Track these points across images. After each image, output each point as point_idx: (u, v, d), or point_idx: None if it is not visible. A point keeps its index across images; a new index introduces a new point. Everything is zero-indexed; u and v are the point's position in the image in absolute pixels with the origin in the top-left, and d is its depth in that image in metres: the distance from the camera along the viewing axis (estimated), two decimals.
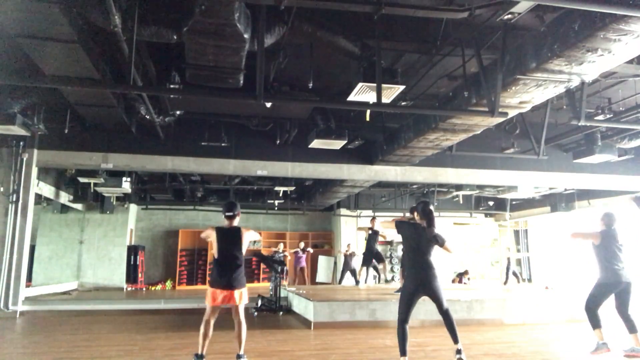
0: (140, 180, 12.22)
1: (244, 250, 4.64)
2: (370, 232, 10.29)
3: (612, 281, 5.16)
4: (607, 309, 5.28)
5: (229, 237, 4.59)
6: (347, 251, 13.09)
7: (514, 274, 13.73)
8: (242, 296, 4.54)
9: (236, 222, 4.66)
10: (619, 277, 5.13)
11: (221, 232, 4.59)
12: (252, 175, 9.92)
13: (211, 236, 4.58)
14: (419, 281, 4.44)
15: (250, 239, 4.72)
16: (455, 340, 4.43)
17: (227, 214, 4.61)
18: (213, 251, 4.65)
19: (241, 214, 4.74)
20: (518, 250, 16.50)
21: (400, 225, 4.71)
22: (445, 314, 4.46)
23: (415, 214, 4.64)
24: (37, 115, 7.32)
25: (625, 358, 5.11)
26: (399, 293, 8.30)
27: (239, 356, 4.54)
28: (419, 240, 4.49)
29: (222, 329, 5.82)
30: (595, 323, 5.18)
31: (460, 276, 14.41)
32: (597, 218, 5.44)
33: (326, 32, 5.56)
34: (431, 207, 4.55)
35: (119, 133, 8.52)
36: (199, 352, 4.44)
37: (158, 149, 8.78)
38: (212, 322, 4.50)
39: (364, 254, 10.52)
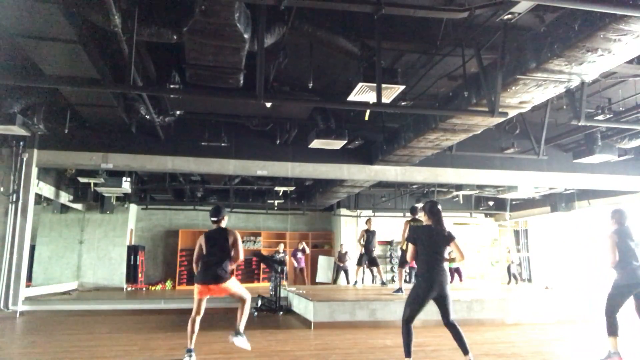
0: (140, 180, 12.23)
1: (240, 251, 4.93)
2: (367, 233, 10.18)
3: (631, 282, 4.72)
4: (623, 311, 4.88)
5: (215, 238, 4.97)
6: (339, 251, 13.20)
7: (514, 275, 13.86)
8: (230, 285, 4.85)
9: (223, 225, 5.05)
10: (637, 277, 4.70)
11: (208, 235, 5.02)
12: (252, 175, 9.91)
13: (201, 241, 4.98)
14: (433, 282, 4.26)
15: (237, 237, 4.97)
16: (465, 352, 4.12)
17: (212, 218, 5.07)
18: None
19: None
20: (518, 250, 16.50)
21: (414, 232, 4.74)
22: (451, 325, 4.23)
23: (423, 214, 4.57)
24: (37, 115, 7.30)
25: None
26: (398, 293, 8.22)
27: (237, 332, 4.83)
28: (432, 240, 4.40)
29: (222, 329, 5.84)
30: (612, 330, 4.72)
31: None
32: (607, 216, 5.05)
33: (326, 32, 5.56)
34: (439, 207, 4.51)
35: (119, 133, 8.52)
36: (189, 347, 4.76)
37: (158, 149, 8.78)
38: (197, 320, 4.81)
39: (360, 253, 10.28)
